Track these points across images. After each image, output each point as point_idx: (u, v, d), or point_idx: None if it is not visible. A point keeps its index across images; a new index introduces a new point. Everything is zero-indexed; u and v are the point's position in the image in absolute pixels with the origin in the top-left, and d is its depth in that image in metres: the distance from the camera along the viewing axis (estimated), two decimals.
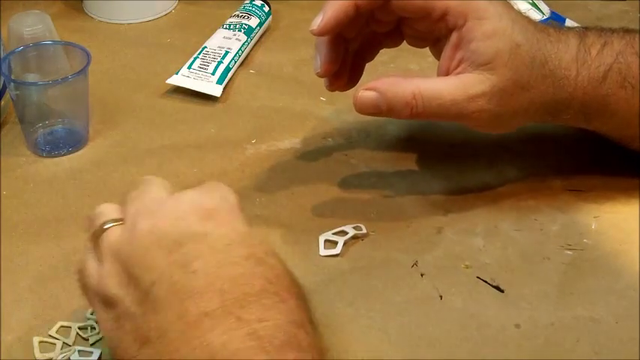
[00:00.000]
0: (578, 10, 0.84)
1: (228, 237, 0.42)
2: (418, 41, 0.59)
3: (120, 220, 0.44)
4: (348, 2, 0.53)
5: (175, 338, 0.38)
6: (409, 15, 0.55)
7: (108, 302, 0.42)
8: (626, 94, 0.55)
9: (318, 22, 0.54)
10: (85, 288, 0.44)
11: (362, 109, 0.54)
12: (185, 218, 0.42)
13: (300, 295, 0.42)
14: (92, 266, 0.44)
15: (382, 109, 0.54)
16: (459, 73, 0.54)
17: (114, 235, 0.43)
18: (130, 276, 0.41)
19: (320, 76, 0.58)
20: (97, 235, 0.44)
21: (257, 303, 0.39)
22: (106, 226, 0.44)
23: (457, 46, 0.54)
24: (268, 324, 0.38)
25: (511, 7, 0.55)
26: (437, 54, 0.58)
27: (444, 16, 0.54)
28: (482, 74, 0.53)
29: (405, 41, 0.60)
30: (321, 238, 0.56)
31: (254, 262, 0.41)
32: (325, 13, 0.53)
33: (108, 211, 0.45)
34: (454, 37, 0.54)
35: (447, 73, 0.55)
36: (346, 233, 0.56)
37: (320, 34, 0.54)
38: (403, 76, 0.54)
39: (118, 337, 0.41)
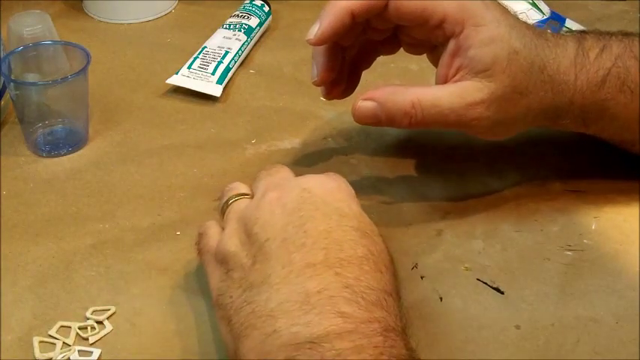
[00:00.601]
0: (578, 10, 0.84)
1: (343, 210, 0.46)
2: (415, 48, 0.59)
3: (248, 195, 0.50)
4: (344, 11, 0.53)
5: (277, 282, 0.42)
6: (406, 23, 0.55)
7: (223, 259, 0.46)
8: (625, 99, 0.55)
9: (314, 31, 0.54)
10: (203, 250, 0.50)
11: (361, 119, 0.54)
12: (310, 191, 0.46)
13: (395, 275, 0.46)
14: (215, 231, 0.49)
15: (381, 119, 0.54)
16: (457, 81, 0.54)
17: (241, 204, 0.49)
18: (249, 234, 0.45)
19: (317, 84, 0.58)
20: (227, 205, 0.50)
21: (357, 266, 0.43)
22: (234, 199, 0.50)
23: (455, 54, 0.54)
24: (363, 284, 0.42)
25: (509, 13, 0.55)
26: (434, 60, 0.58)
27: (441, 24, 0.53)
28: (481, 81, 0.53)
29: (401, 48, 0.60)
30: None
31: (361, 234, 0.45)
32: (321, 22, 0.53)
33: (239, 187, 0.52)
34: (452, 44, 0.54)
35: (445, 81, 0.55)
36: None
37: (317, 43, 0.54)
38: (401, 86, 0.54)
39: (225, 286, 0.45)
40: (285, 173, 0.51)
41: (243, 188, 0.51)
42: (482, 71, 0.53)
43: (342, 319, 0.40)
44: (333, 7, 0.53)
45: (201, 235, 0.50)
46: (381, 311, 0.41)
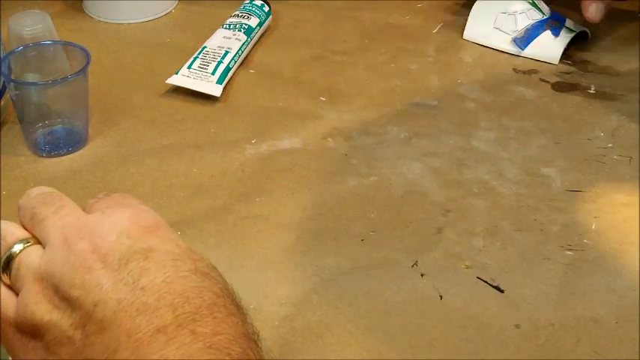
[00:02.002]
0: (578, 10, 0.84)
1: (174, 252, 0.40)
2: None
3: (31, 240, 0.41)
4: None
5: (127, 357, 0.36)
6: None
7: (35, 332, 0.39)
8: None
9: None
10: None
11: None
12: (129, 235, 0.40)
13: (242, 307, 0.41)
14: (4, 294, 0.40)
15: None
16: None
17: (32, 256, 0.40)
18: (68, 299, 0.38)
19: None
20: (8, 259, 0.40)
21: (209, 316, 0.38)
22: (18, 249, 0.41)
23: None
24: (222, 337, 0.37)
25: None
26: None
27: None
28: None
29: None
30: None
31: (201, 276, 0.40)
32: None
33: (13, 229, 0.42)
34: None
35: None
36: None
37: None
38: None
39: None
40: (70, 208, 0.42)
41: (19, 231, 0.42)
42: None
43: None
44: None
45: None
46: None
